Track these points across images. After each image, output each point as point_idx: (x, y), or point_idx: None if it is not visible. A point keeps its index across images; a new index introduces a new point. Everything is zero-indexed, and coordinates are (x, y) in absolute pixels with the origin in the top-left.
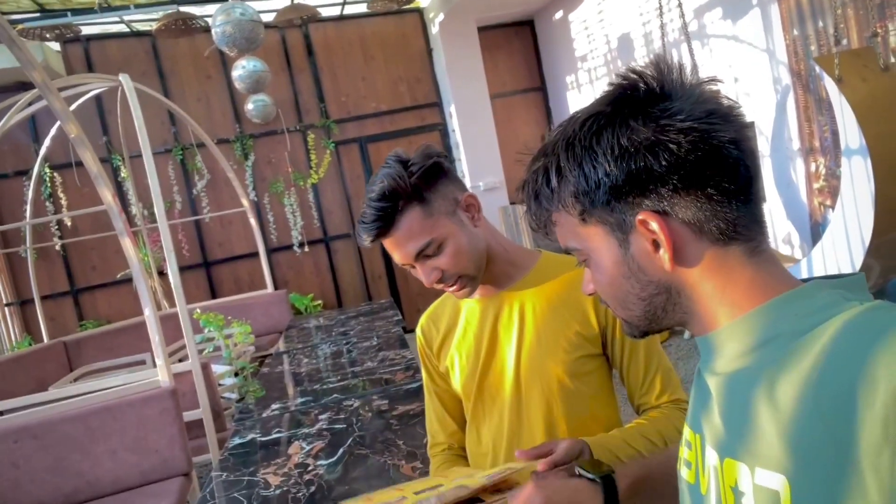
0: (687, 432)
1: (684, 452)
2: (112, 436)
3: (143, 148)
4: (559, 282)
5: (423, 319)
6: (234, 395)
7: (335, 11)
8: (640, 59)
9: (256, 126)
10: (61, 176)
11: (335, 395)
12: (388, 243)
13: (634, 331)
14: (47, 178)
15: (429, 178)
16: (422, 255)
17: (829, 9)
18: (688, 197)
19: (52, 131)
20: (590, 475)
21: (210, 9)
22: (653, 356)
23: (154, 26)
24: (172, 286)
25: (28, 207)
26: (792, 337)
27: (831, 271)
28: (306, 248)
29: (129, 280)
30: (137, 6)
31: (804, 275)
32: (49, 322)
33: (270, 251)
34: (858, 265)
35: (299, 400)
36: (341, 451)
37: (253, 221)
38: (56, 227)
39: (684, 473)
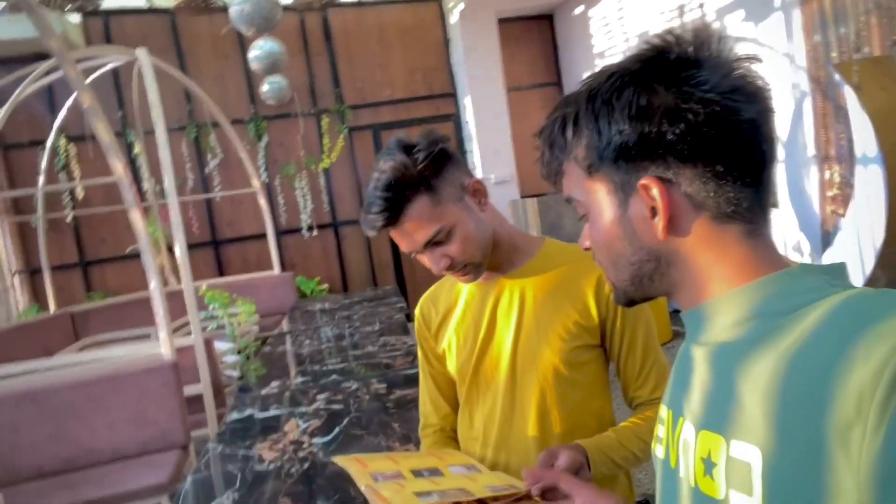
0: (662, 410)
1: (658, 430)
2: (112, 406)
3: (156, 123)
4: (561, 270)
5: (422, 300)
6: (236, 373)
7: None
8: None
9: (271, 108)
10: (76, 147)
11: (334, 377)
12: (395, 233)
13: (622, 297)
14: (62, 150)
15: (435, 165)
16: (430, 244)
17: (852, 15)
18: (695, 169)
19: (69, 102)
20: None
21: None
22: (650, 351)
23: (174, 3)
24: (179, 261)
25: (42, 177)
26: (777, 315)
27: None
28: (315, 233)
29: (138, 255)
30: None
31: None
32: (57, 292)
33: (279, 233)
34: (868, 274)
35: (299, 380)
36: (337, 430)
37: (263, 203)
38: (69, 197)
39: (658, 451)
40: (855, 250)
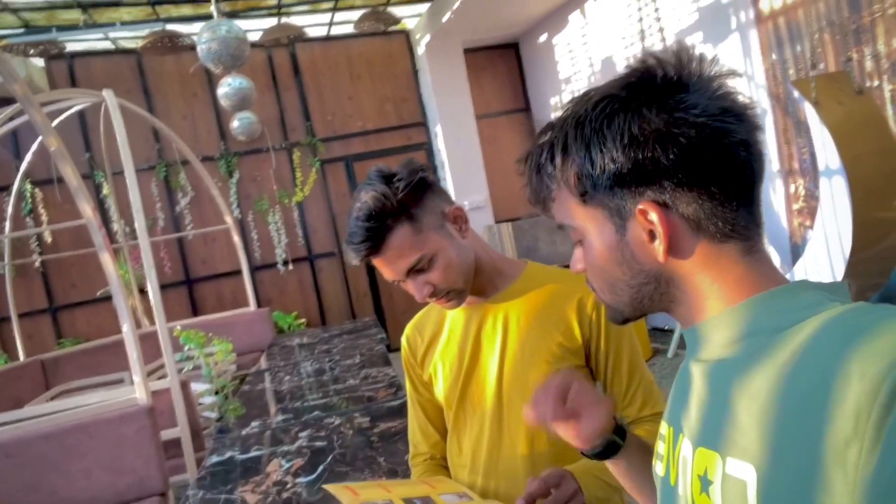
0: (662, 427)
1: (659, 447)
2: (87, 454)
3: (125, 164)
4: (544, 293)
5: (408, 328)
6: (214, 415)
7: (322, 32)
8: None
9: (242, 144)
10: (42, 192)
11: (316, 413)
12: (377, 261)
13: (618, 316)
14: (28, 194)
15: (415, 193)
16: (412, 271)
17: (807, 34)
18: (691, 192)
19: (34, 147)
20: None
21: (196, 27)
22: (636, 370)
23: (140, 44)
24: (152, 303)
25: (7, 223)
26: (774, 331)
27: None
28: (290, 267)
29: (109, 298)
30: (123, 23)
31: None
32: (26, 340)
33: (254, 269)
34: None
35: (280, 418)
36: (321, 468)
37: (237, 239)
38: (36, 243)
39: (658, 468)
40: (825, 261)
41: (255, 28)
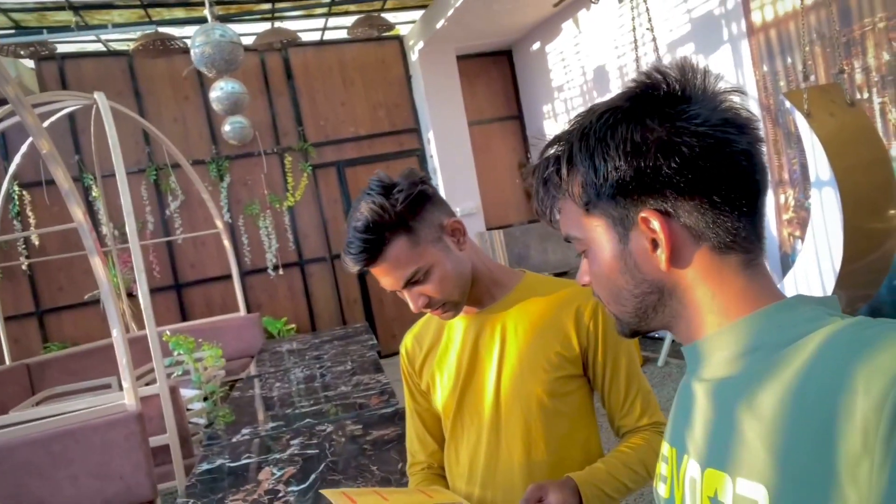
0: (665, 447)
1: (661, 468)
2: (74, 461)
3: (116, 167)
4: (541, 302)
5: (407, 337)
6: (203, 421)
7: (315, 37)
8: (615, 90)
9: (233, 148)
10: (30, 194)
11: (307, 420)
12: (375, 271)
13: (625, 328)
14: (16, 196)
15: (414, 206)
16: (409, 283)
17: (798, 46)
18: (692, 201)
19: (23, 149)
20: None
21: (189, 30)
22: (633, 379)
23: (132, 46)
24: (142, 307)
25: None
26: (776, 347)
27: None
28: (281, 272)
29: (96, 302)
30: (115, 26)
31: None
32: (12, 344)
33: (244, 274)
34: (829, 295)
35: (270, 425)
36: (313, 476)
37: (227, 243)
38: (23, 246)
39: (661, 490)
40: (815, 271)
41: (248, 32)
